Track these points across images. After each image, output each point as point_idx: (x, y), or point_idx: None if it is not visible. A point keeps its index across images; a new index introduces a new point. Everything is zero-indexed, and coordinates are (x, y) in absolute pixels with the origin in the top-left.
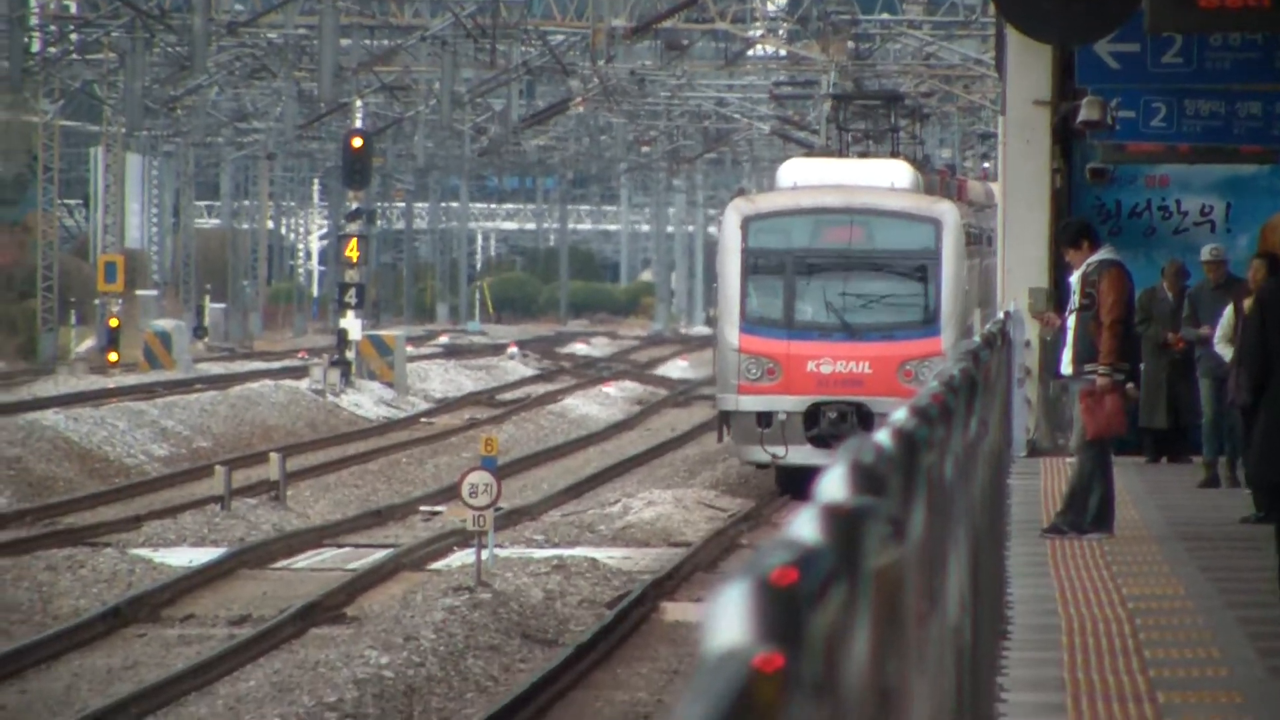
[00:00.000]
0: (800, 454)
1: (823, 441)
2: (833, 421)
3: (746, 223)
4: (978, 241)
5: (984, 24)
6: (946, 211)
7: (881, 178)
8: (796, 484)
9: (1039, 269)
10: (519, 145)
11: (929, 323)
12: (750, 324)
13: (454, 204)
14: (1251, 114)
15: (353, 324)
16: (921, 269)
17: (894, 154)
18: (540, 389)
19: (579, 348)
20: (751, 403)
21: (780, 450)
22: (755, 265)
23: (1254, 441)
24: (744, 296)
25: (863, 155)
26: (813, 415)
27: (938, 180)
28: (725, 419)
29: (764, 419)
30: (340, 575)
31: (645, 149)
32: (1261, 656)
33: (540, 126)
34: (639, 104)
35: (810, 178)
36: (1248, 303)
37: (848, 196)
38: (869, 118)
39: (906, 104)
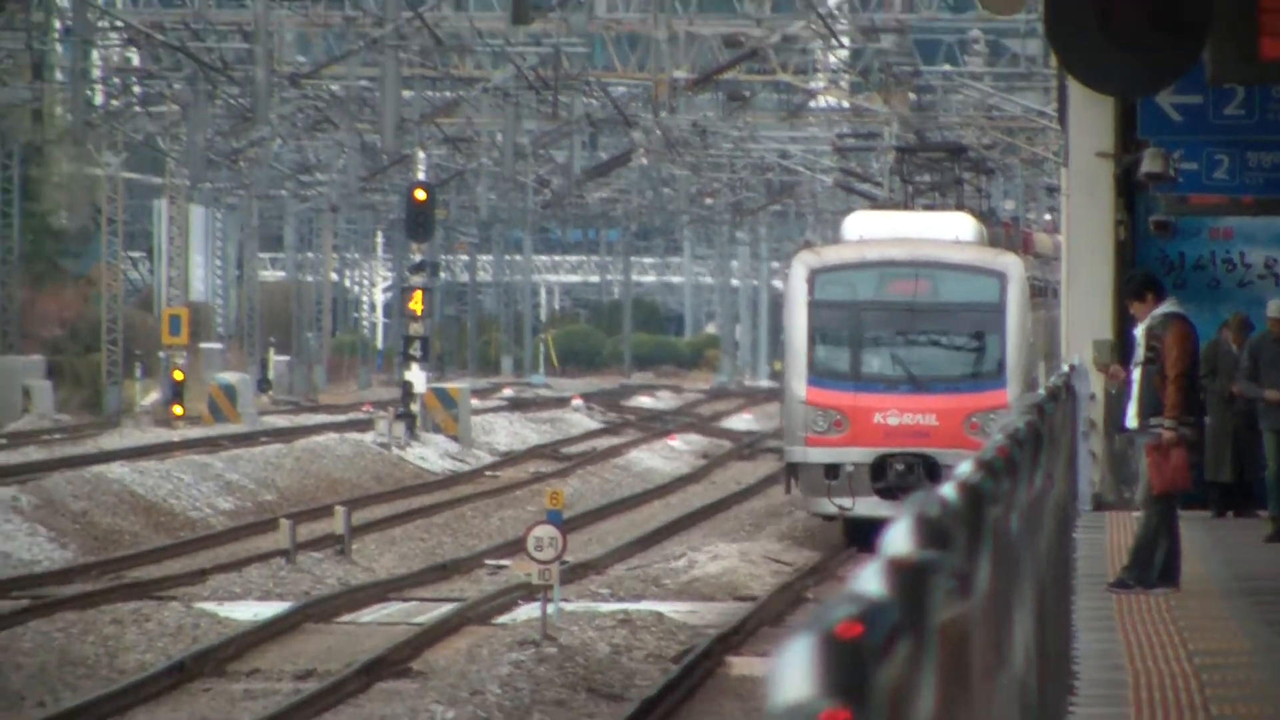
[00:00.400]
0: (867, 505)
1: (890, 493)
2: (900, 473)
3: (813, 275)
4: (1042, 293)
5: (1045, 76)
6: (1011, 264)
7: (946, 231)
8: (864, 536)
9: (1103, 321)
10: (582, 197)
11: (995, 375)
12: (817, 376)
13: (517, 256)
14: None
15: (417, 377)
16: (987, 321)
17: (959, 206)
18: (605, 442)
19: (643, 400)
20: (819, 454)
21: (847, 502)
22: (821, 318)
23: None
24: (811, 349)
25: (928, 208)
26: (880, 467)
27: (1002, 233)
28: (793, 471)
29: (831, 471)
30: (405, 629)
31: (708, 201)
32: None
33: (603, 178)
34: (701, 156)
35: (875, 230)
36: None
37: (913, 249)
38: (933, 170)
39: (971, 156)
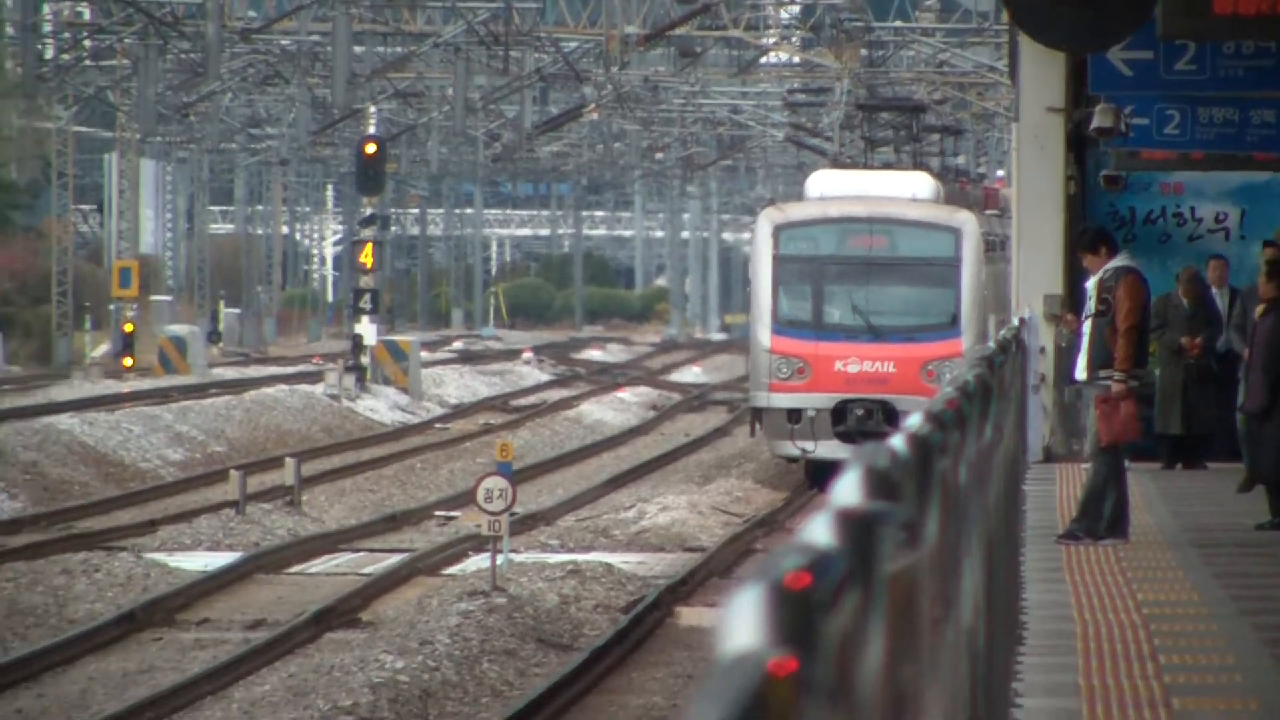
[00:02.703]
0: (828, 448)
1: (849, 437)
2: (859, 418)
3: (777, 231)
4: (996, 248)
5: (997, 31)
6: (966, 221)
7: (904, 189)
8: (824, 477)
9: (1053, 276)
10: (533, 152)
11: (950, 325)
12: (781, 326)
13: (468, 210)
14: (1265, 121)
15: (367, 329)
16: (942, 275)
17: (917, 165)
18: (555, 395)
19: (593, 353)
20: (782, 400)
21: (809, 445)
22: (785, 271)
23: (1270, 443)
24: (775, 300)
25: (887, 165)
26: (840, 412)
27: (958, 189)
28: (758, 415)
29: (794, 415)
30: (355, 580)
31: (659, 155)
32: (1276, 663)
33: (554, 133)
34: (653, 111)
35: (837, 189)
36: (1260, 308)
37: (872, 207)
38: (894, 127)
39: (931, 115)
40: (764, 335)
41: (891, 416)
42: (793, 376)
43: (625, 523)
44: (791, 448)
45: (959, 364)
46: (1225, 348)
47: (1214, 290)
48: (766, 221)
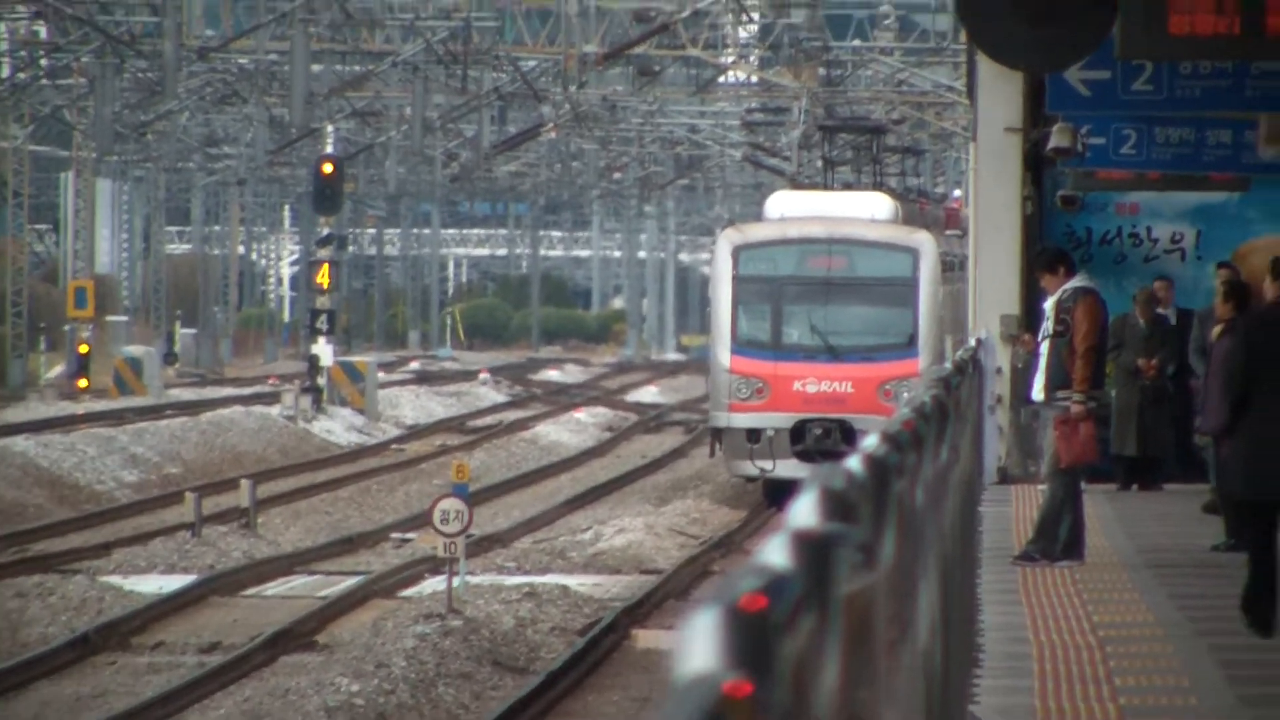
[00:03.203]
0: (787, 467)
1: (808, 456)
2: (817, 437)
3: (737, 252)
4: (954, 268)
5: (955, 51)
6: (924, 241)
7: (863, 210)
8: (783, 496)
9: (1010, 296)
10: (490, 171)
11: (907, 345)
12: (741, 346)
13: (426, 230)
14: (1221, 142)
15: (324, 350)
16: (900, 295)
17: (877, 186)
18: (512, 415)
19: (550, 374)
20: (742, 420)
21: (768, 464)
22: (745, 291)
23: (1232, 463)
24: (735, 321)
25: (848, 185)
26: (799, 431)
27: (918, 210)
28: (717, 435)
29: (753, 435)
30: (311, 603)
31: (617, 175)
32: (1230, 684)
33: (512, 152)
34: (611, 130)
35: (796, 209)
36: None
37: (831, 228)
38: (855, 149)
39: (893, 137)
40: (724, 355)
41: (849, 436)
42: (752, 396)
43: (582, 545)
44: (751, 467)
45: (916, 384)
46: (1175, 370)
47: (1161, 311)
48: (726, 242)
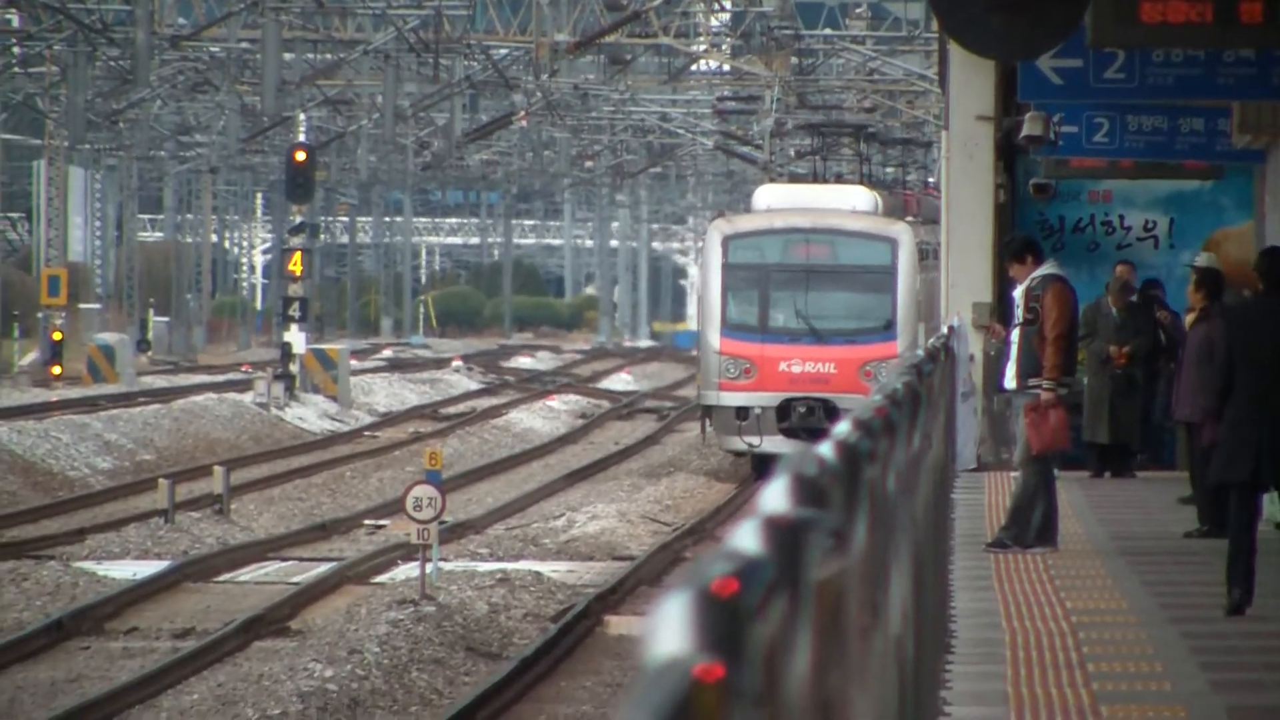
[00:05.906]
0: (773, 443)
1: (793, 432)
2: (802, 415)
3: (726, 241)
4: (931, 256)
5: (927, 39)
6: (901, 231)
7: (845, 202)
8: (769, 470)
9: (982, 284)
10: (462, 160)
11: (886, 329)
12: (730, 329)
13: (398, 218)
14: (1194, 130)
15: (296, 338)
16: (879, 282)
17: (861, 179)
18: (484, 403)
19: (523, 361)
20: (730, 398)
21: (755, 440)
22: (734, 278)
23: (1205, 450)
24: (724, 305)
25: (837, 178)
26: (784, 409)
27: (899, 202)
28: (707, 412)
29: (741, 413)
30: (284, 588)
31: (589, 164)
32: (1203, 671)
33: (484, 141)
34: (582, 119)
35: (782, 201)
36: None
37: (815, 219)
38: (838, 144)
39: (877, 133)
40: (714, 338)
41: (832, 413)
42: (740, 376)
43: (555, 531)
44: (739, 443)
45: (894, 364)
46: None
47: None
48: (717, 232)
